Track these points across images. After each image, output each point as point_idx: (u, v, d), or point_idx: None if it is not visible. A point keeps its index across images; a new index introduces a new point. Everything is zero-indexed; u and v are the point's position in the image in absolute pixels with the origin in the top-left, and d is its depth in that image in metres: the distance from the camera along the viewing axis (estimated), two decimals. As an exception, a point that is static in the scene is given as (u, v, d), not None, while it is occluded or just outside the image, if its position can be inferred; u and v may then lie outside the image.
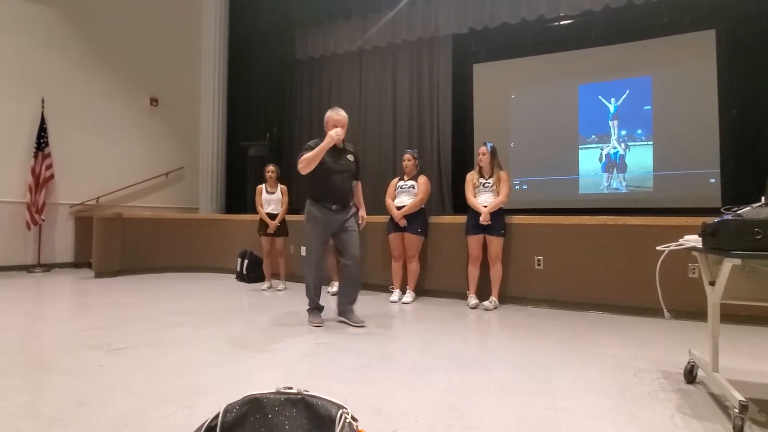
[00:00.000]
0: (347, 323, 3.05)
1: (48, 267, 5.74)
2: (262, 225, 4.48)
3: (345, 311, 3.11)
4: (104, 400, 1.75)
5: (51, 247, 5.88)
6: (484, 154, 3.77)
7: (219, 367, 2.16)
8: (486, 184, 3.75)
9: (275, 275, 4.66)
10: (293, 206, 4.82)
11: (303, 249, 3.15)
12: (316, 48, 6.74)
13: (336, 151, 3.05)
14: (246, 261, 5.03)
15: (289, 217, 4.63)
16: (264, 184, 4.51)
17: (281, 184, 4.59)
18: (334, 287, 4.32)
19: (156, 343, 2.56)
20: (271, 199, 4.48)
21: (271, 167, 4.56)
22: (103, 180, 6.34)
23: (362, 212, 3.30)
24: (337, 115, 3.01)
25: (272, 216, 4.44)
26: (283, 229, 4.51)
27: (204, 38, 6.93)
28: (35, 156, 5.64)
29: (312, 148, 2.91)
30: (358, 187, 3.28)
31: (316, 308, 3.13)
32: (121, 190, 6.50)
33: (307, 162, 2.89)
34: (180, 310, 3.45)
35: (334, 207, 3.02)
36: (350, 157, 3.13)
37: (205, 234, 5.79)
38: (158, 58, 6.98)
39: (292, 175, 6.73)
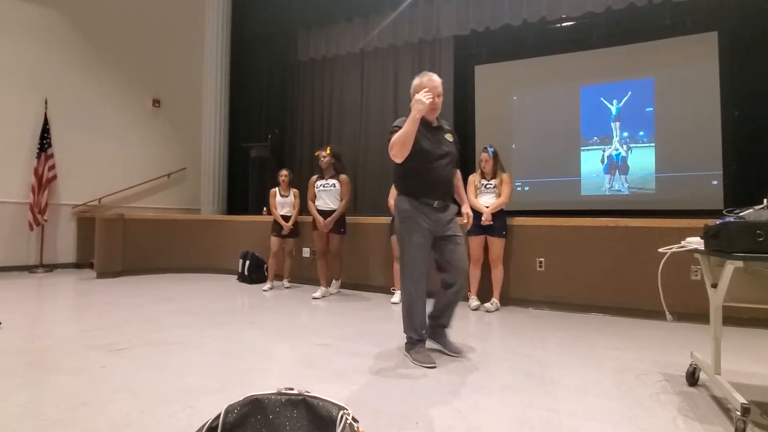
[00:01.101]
0: (443, 352, 2.44)
1: (50, 267, 5.75)
2: (276, 226, 4.58)
3: (439, 335, 2.50)
4: (106, 400, 1.75)
5: (53, 248, 5.90)
6: (486, 160, 3.77)
7: (220, 368, 2.16)
8: (488, 186, 3.75)
9: (278, 276, 4.70)
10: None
11: (399, 259, 2.43)
12: (318, 49, 6.76)
13: (431, 130, 2.36)
14: (248, 262, 5.03)
15: (301, 218, 4.74)
16: (277, 188, 4.67)
17: (293, 188, 4.74)
18: (319, 291, 4.21)
19: (157, 343, 2.56)
20: (284, 202, 4.63)
21: (284, 172, 4.73)
22: (106, 181, 6.36)
23: (465, 208, 2.51)
24: (429, 81, 2.31)
25: (285, 218, 4.57)
26: (294, 231, 4.63)
27: (206, 39, 6.95)
28: (38, 157, 5.66)
29: (401, 128, 2.25)
30: (458, 176, 2.51)
31: (419, 340, 2.39)
32: (124, 191, 6.51)
33: (401, 143, 2.21)
34: (181, 311, 3.46)
35: (435, 204, 2.32)
36: (449, 137, 2.43)
37: (207, 235, 5.80)
38: (161, 60, 7.00)
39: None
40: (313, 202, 4.24)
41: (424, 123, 2.32)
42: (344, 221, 4.27)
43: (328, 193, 4.19)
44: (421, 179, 2.32)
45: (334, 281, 4.41)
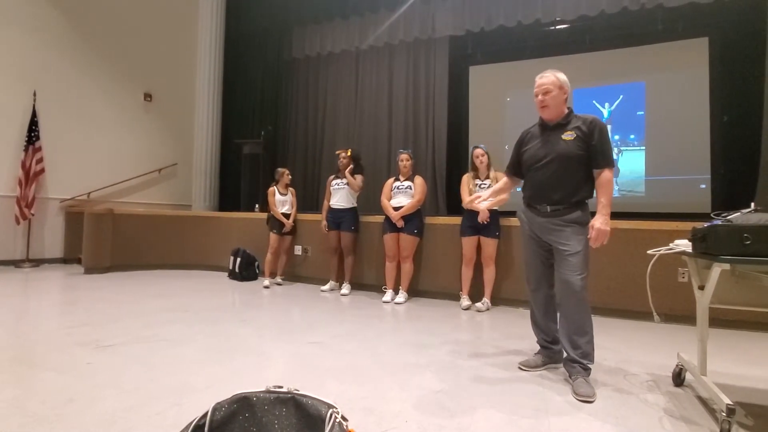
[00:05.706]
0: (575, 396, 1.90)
1: (37, 262, 5.66)
2: (276, 224, 4.63)
3: (568, 371, 2.06)
4: (93, 396, 1.73)
5: (40, 242, 5.80)
6: (483, 155, 3.78)
7: (209, 365, 2.14)
8: (482, 186, 3.76)
9: (273, 274, 4.71)
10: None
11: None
12: (312, 46, 6.73)
13: (546, 129, 2.18)
14: (239, 259, 5.00)
15: (302, 216, 4.89)
16: (275, 187, 4.75)
17: (290, 186, 4.86)
18: (327, 285, 4.40)
19: (146, 340, 2.53)
20: (284, 200, 4.73)
21: (287, 170, 4.87)
22: (95, 175, 6.27)
23: (597, 219, 1.99)
24: (537, 80, 2.14)
25: (285, 216, 4.67)
26: (293, 229, 4.76)
27: (200, 34, 6.89)
28: (26, 150, 5.57)
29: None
30: (600, 177, 2.05)
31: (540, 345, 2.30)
32: (113, 186, 6.43)
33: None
34: (171, 308, 3.43)
35: (538, 207, 2.17)
36: (567, 135, 2.08)
37: (198, 231, 5.75)
38: (153, 53, 6.92)
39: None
40: (329, 201, 4.37)
41: (540, 125, 2.22)
42: (356, 219, 4.34)
43: (341, 192, 4.31)
44: (526, 184, 2.27)
45: (345, 282, 4.35)
